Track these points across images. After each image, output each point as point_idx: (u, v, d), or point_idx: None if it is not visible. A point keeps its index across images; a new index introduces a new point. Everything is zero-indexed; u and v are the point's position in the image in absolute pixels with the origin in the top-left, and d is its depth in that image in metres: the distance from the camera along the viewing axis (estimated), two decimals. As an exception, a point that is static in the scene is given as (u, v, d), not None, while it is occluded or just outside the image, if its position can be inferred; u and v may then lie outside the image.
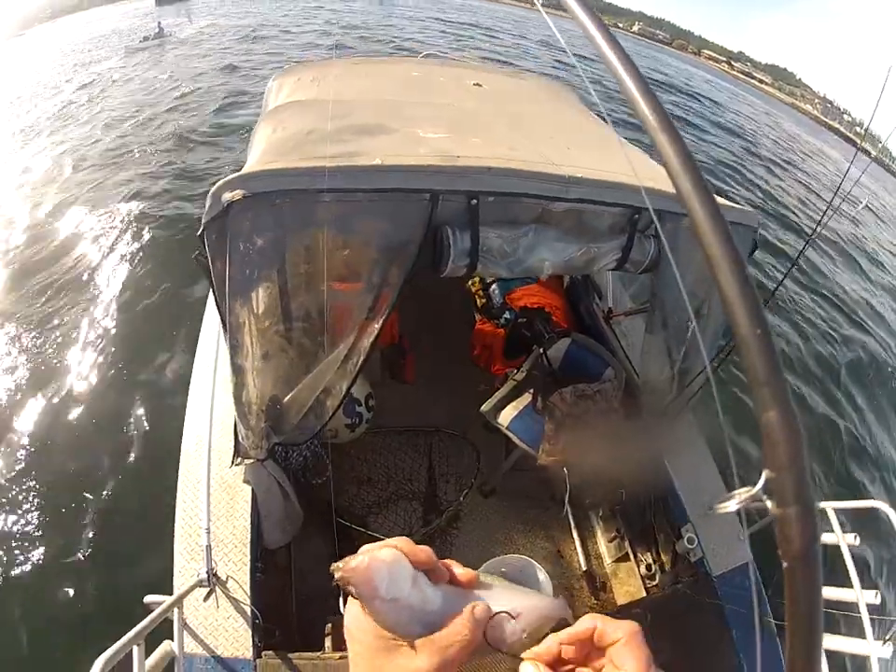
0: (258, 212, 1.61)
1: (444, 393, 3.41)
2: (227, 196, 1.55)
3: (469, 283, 4.10)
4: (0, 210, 7.69)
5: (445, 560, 0.63)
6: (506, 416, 2.91)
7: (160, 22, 22.13)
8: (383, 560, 0.56)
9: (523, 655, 0.59)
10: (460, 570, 0.62)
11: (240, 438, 2.17)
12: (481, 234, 1.78)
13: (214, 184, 1.58)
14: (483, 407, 2.96)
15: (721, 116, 25.69)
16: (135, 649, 1.56)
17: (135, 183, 8.26)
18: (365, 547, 0.58)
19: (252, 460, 2.25)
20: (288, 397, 2.01)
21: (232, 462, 2.31)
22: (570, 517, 3.13)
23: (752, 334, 0.44)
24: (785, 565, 0.43)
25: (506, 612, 0.60)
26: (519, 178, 1.78)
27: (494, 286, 3.89)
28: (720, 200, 2.12)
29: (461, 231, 1.75)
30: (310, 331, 1.86)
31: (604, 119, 3.44)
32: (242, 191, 1.55)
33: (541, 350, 3.04)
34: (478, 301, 4.00)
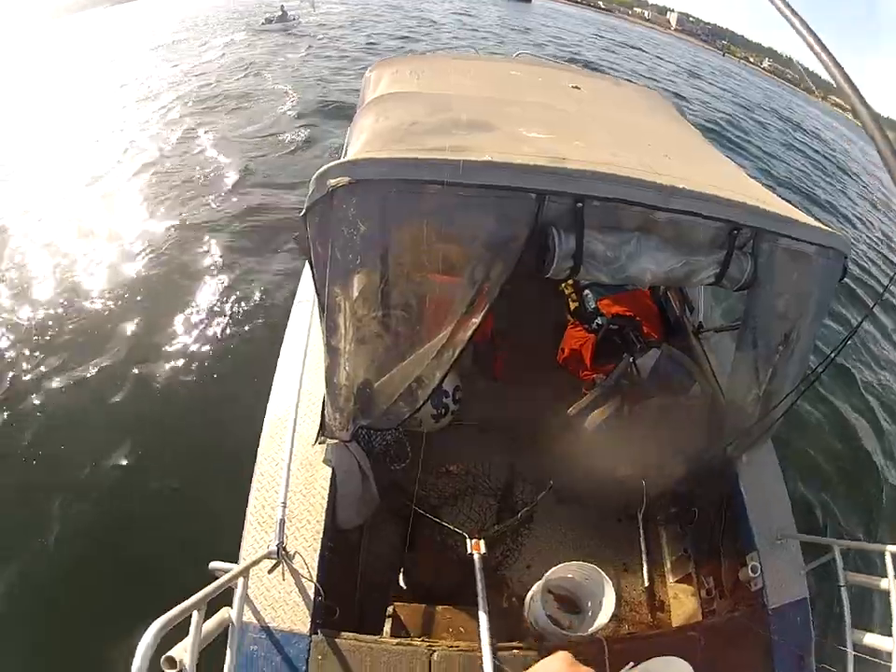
0: (362, 199, 1.65)
1: (530, 393, 3.36)
2: (332, 181, 1.60)
3: (563, 285, 4.03)
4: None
5: None
6: (591, 422, 2.88)
7: (283, 6, 20.94)
8: None
9: None
10: None
11: (327, 417, 2.21)
12: (585, 238, 1.76)
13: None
14: (569, 410, 2.93)
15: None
16: (195, 614, 1.56)
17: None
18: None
19: (336, 441, 2.29)
20: (380, 382, 2.04)
21: (316, 440, 2.37)
22: (641, 531, 3.05)
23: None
24: None
25: None
26: (623, 185, 1.76)
27: (587, 290, 3.82)
28: (811, 221, 2.06)
29: (566, 233, 1.75)
30: (407, 320, 1.89)
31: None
32: (347, 177, 1.59)
33: (631, 359, 2.99)
34: (571, 303, 3.93)
